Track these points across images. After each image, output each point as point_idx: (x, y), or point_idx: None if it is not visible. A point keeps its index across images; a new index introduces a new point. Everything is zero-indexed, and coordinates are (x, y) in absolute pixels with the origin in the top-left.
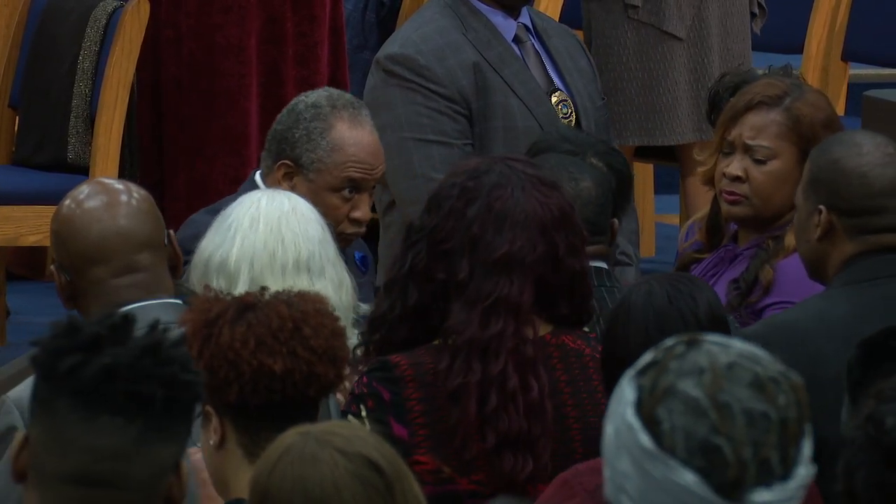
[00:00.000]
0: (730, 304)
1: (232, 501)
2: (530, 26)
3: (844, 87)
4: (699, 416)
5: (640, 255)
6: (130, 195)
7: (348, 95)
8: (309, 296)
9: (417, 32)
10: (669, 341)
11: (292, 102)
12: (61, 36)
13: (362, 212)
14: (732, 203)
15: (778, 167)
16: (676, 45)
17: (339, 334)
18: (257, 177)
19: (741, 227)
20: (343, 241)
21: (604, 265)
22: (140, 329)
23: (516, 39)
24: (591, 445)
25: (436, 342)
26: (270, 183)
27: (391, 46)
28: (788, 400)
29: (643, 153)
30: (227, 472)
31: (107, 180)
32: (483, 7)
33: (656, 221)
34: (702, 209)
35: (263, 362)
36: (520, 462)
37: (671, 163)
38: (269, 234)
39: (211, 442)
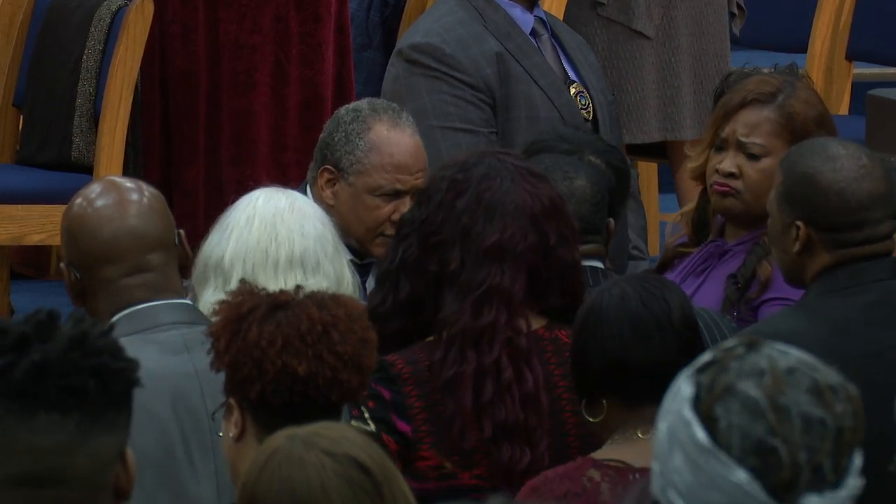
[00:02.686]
0: (728, 300)
1: None
2: (545, 20)
3: (848, 86)
4: (757, 417)
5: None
6: (142, 194)
7: (391, 103)
8: (343, 299)
9: (439, 23)
10: (729, 342)
11: (336, 111)
12: (65, 35)
13: None
14: (724, 194)
15: (771, 164)
16: (645, 44)
17: (368, 342)
18: (308, 191)
19: (729, 223)
20: (383, 245)
21: (600, 264)
22: (66, 323)
23: (534, 32)
24: (587, 440)
25: (429, 339)
26: (315, 191)
27: (413, 36)
28: (846, 409)
29: (635, 151)
30: (244, 466)
31: (118, 179)
32: (501, 0)
33: (660, 220)
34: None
35: (288, 363)
36: (517, 452)
37: (665, 160)
38: (263, 232)
39: (231, 434)
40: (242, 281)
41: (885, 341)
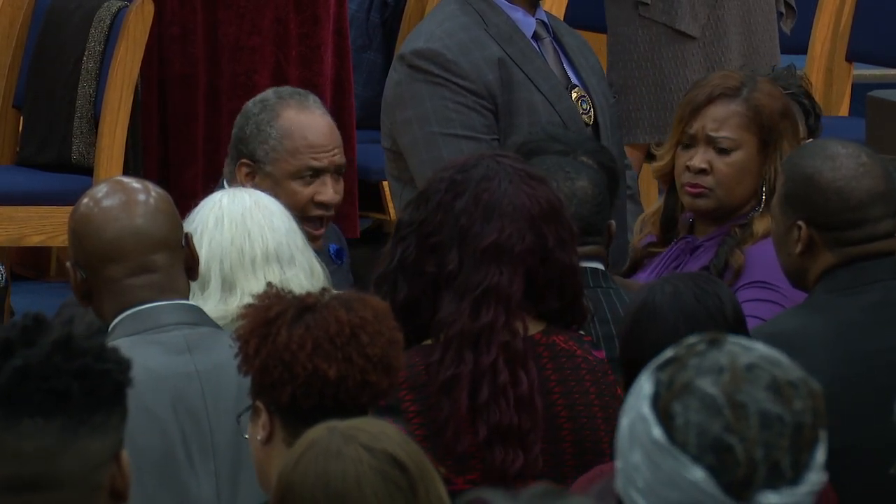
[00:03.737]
0: None
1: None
2: (547, 23)
3: (848, 88)
4: (714, 414)
5: None
6: (149, 195)
7: (295, 88)
8: (369, 301)
9: (441, 28)
10: (691, 339)
11: (244, 106)
12: (65, 36)
13: (327, 195)
14: (697, 196)
15: (741, 158)
16: (690, 44)
17: (396, 342)
18: (225, 186)
19: (699, 220)
20: (311, 227)
21: (600, 266)
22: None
23: (535, 36)
24: (582, 447)
25: (426, 342)
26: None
27: (415, 42)
28: (805, 405)
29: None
30: (271, 468)
31: (126, 179)
32: (503, 3)
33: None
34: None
35: (318, 367)
36: (510, 455)
37: None
38: (235, 231)
39: (259, 437)
40: (269, 285)
41: (888, 341)
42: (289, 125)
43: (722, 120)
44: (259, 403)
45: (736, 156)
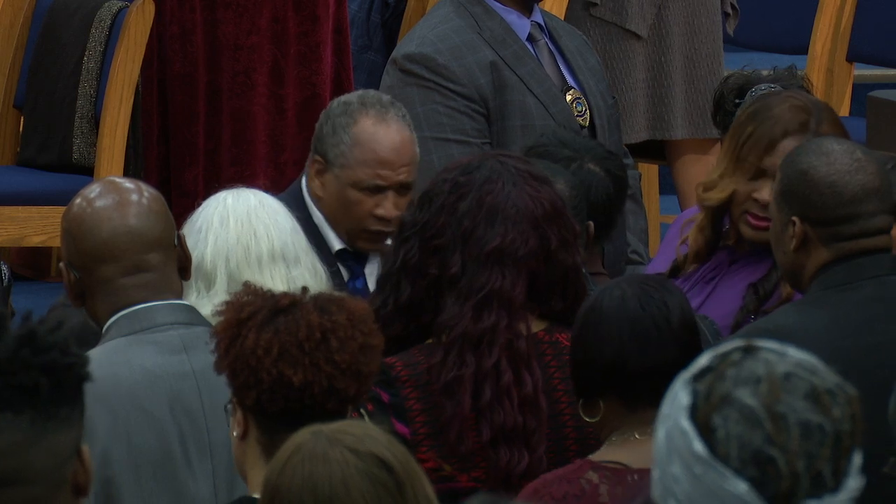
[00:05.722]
0: (745, 308)
1: (242, 499)
2: (543, 25)
3: (849, 88)
4: (754, 426)
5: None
6: (141, 195)
7: (384, 96)
8: (348, 302)
9: (434, 31)
10: (726, 347)
11: (330, 102)
12: (66, 36)
13: (386, 209)
14: (761, 229)
15: None
16: (637, 44)
17: (369, 347)
18: (303, 181)
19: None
20: (368, 239)
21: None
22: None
23: (530, 38)
24: (586, 444)
25: (429, 341)
26: (308, 180)
27: (408, 45)
28: (843, 413)
29: (635, 153)
30: (247, 465)
31: (118, 179)
32: (497, 6)
33: (661, 222)
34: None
35: (283, 372)
36: (515, 456)
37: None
38: (241, 229)
39: (234, 433)
40: (247, 283)
41: (884, 337)
42: (362, 135)
43: None
44: (235, 400)
45: None
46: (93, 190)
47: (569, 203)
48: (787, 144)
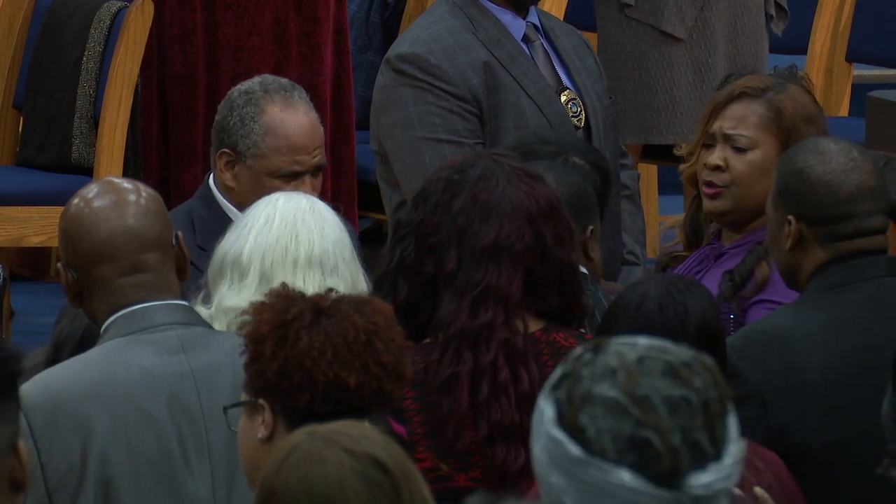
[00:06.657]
0: (721, 296)
1: None
2: (539, 25)
3: (848, 88)
4: (622, 415)
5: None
6: (139, 195)
7: (283, 80)
8: (377, 305)
9: (427, 32)
10: (574, 352)
11: (229, 93)
12: (65, 36)
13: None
14: (713, 196)
15: (758, 157)
16: (676, 46)
17: (405, 349)
18: (211, 179)
19: (723, 227)
20: None
21: None
22: None
23: (525, 39)
24: None
25: (426, 341)
26: (216, 174)
27: (401, 46)
28: (705, 381)
29: (650, 154)
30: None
31: (116, 179)
32: (492, 6)
33: (660, 222)
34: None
35: (339, 375)
36: (512, 453)
37: (675, 163)
38: (284, 230)
39: (259, 435)
40: (283, 285)
41: (881, 337)
42: (272, 123)
43: (740, 118)
44: (263, 402)
45: (753, 155)
46: (91, 190)
47: (565, 202)
48: (732, 109)
